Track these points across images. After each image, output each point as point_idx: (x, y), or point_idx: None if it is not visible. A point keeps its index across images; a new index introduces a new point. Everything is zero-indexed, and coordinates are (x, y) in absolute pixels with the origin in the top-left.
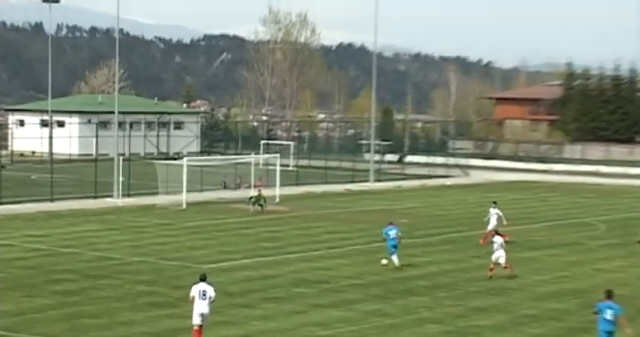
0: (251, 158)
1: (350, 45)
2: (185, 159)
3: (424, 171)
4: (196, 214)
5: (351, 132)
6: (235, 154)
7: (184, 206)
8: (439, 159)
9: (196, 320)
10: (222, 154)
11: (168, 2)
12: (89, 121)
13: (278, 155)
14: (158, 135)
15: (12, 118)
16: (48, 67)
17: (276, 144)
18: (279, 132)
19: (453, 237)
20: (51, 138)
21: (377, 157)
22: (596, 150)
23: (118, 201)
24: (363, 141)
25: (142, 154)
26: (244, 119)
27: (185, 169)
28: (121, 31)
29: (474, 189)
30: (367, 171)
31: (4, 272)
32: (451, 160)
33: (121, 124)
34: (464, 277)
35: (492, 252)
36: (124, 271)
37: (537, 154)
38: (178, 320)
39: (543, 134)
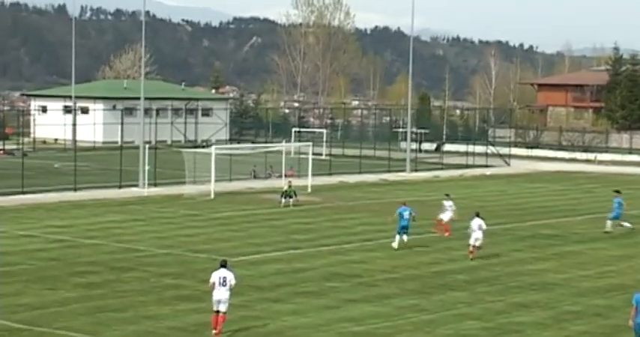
0: (282, 146)
1: (386, 28)
2: (213, 147)
3: (463, 160)
4: (225, 204)
5: (386, 119)
6: (265, 142)
7: (212, 196)
8: (478, 148)
9: (215, 307)
10: (251, 142)
11: None
12: (114, 107)
13: (310, 143)
14: (185, 122)
15: (34, 104)
16: (71, 51)
17: (308, 132)
18: (312, 120)
19: (493, 229)
20: (74, 125)
21: (413, 146)
22: None
23: (144, 190)
24: (399, 129)
25: (169, 142)
26: (275, 106)
27: (213, 158)
28: (147, 13)
29: (515, 179)
30: (403, 160)
31: (25, 264)
32: (491, 149)
33: (147, 111)
34: (504, 271)
35: (469, 235)
36: (149, 263)
37: (582, 143)
38: (206, 315)
39: (588, 122)
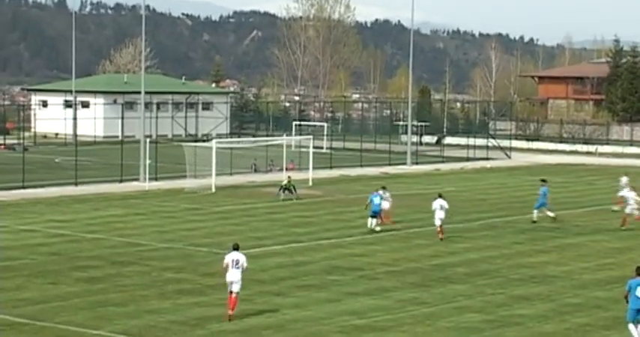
0: (283, 140)
1: (386, 21)
2: (214, 141)
3: (463, 153)
4: (226, 198)
5: (386, 112)
6: (266, 136)
7: (213, 190)
8: (479, 141)
9: (229, 288)
10: (252, 136)
11: None
12: (114, 102)
13: (311, 137)
14: (186, 116)
15: (35, 99)
16: (72, 46)
17: (309, 126)
18: (312, 113)
19: (494, 222)
20: (75, 119)
21: (414, 139)
22: None
23: (145, 184)
24: (400, 122)
25: (170, 136)
26: (275, 99)
27: (214, 152)
28: (147, 7)
29: (516, 172)
30: (404, 153)
31: (26, 259)
32: (492, 142)
33: (147, 105)
34: (505, 264)
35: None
36: (150, 257)
37: (582, 136)
38: (207, 309)
39: (589, 114)
